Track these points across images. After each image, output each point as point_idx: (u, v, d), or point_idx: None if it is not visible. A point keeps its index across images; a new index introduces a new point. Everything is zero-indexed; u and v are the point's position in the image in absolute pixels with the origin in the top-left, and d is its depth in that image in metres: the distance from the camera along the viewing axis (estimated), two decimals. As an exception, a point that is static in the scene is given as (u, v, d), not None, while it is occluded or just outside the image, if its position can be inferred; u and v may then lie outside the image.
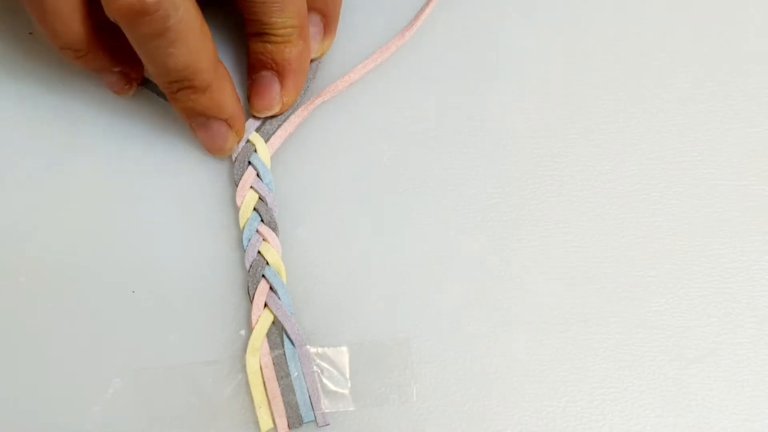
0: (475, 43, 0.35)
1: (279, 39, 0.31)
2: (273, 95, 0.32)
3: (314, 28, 0.32)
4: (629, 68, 0.35)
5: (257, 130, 0.32)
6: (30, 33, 0.34)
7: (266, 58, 0.31)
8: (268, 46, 0.31)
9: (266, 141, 0.32)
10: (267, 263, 0.30)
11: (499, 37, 0.35)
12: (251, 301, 0.30)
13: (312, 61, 0.33)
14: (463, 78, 0.34)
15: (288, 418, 0.28)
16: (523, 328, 0.30)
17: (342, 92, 0.34)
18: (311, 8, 0.32)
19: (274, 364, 0.29)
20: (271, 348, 0.29)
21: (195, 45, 0.27)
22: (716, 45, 0.35)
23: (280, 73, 0.32)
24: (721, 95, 0.34)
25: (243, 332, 0.30)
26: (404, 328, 0.30)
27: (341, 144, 0.33)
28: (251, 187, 0.31)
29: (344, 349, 0.29)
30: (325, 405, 0.29)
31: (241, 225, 0.31)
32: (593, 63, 0.35)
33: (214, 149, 0.31)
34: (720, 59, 0.35)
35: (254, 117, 0.33)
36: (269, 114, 0.32)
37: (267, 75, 0.32)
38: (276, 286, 0.30)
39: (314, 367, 0.29)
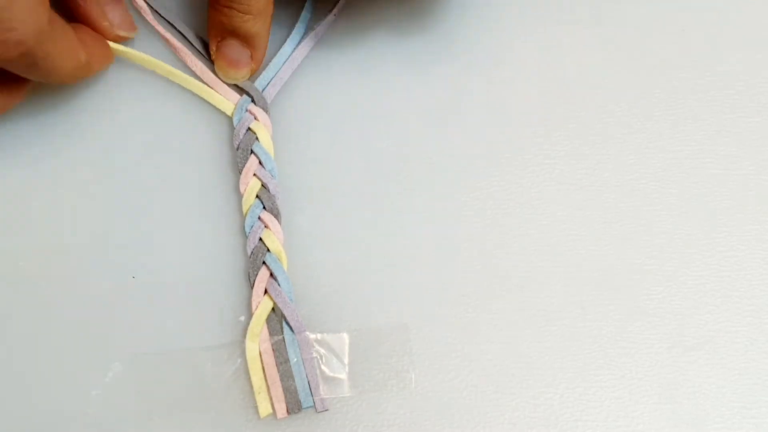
0: (474, 31, 0.35)
1: (246, 9, 0.31)
2: (246, 62, 0.32)
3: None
4: (628, 59, 0.35)
5: (254, 101, 0.32)
6: None
7: (232, 26, 0.31)
8: (236, 16, 0.31)
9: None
10: (268, 250, 0.30)
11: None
12: (252, 288, 0.30)
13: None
14: (467, 63, 0.34)
15: (287, 403, 0.28)
16: (522, 315, 0.30)
17: (343, 78, 0.34)
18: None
19: (273, 350, 0.29)
20: (271, 334, 0.29)
21: None
22: (713, 35, 0.35)
23: (248, 43, 0.32)
24: (720, 85, 0.34)
25: (243, 318, 0.30)
26: (403, 315, 0.30)
27: (341, 131, 0.33)
28: (254, 174, 0.31)
29: (343, 335, 0.29)
30: (324, 391, 0.29)
31: (244, 211, 0.31)
32: (590, 53, 0.35)
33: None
34: (719, 49, 0.35)
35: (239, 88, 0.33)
36: (238, 81, 0.33)
37: (235, 44, 0.32)
38: (276, 273, 0.30)
39: (313, 353, 0.29)
